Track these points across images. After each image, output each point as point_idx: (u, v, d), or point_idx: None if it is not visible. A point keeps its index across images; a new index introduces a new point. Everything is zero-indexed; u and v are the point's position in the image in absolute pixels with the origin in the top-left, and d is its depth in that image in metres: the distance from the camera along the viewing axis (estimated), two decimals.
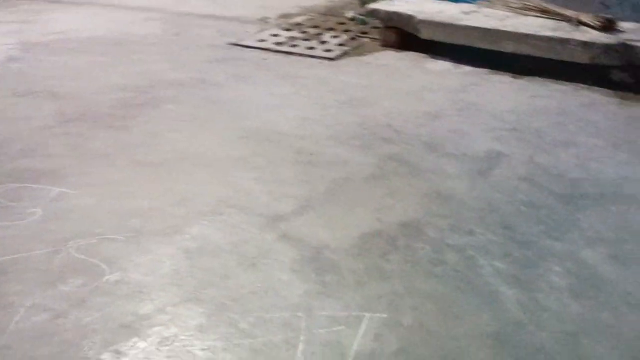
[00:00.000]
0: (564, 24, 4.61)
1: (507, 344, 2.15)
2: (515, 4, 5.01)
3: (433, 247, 2.67)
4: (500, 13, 4.97)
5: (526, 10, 4.91)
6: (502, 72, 4.64)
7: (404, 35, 5.16)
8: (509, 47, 4.60)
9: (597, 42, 4.27)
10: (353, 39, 5.55)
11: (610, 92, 4.23)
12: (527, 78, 4.53)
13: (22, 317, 2.27)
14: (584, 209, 2.91)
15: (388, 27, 5.26)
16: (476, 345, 2.15)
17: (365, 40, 5.52)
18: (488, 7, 5.13)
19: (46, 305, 2.33)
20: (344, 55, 5.13)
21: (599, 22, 4.41)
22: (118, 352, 2.13)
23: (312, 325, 2.26)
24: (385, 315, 2.30)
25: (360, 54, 5.17)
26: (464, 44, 4.81)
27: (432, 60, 4.95)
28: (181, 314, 2.31)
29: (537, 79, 4.50)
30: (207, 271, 2.52)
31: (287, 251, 2.65)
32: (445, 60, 4.91)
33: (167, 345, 2.17)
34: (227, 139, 3.64)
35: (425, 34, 4.97)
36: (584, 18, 4.51)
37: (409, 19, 5.04)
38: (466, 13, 5.02)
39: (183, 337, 2.20)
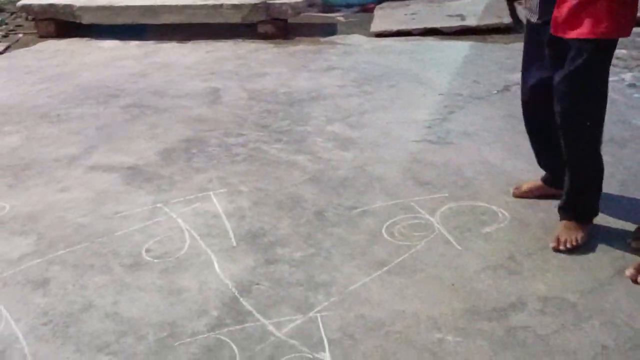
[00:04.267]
0: None
1: (320, 181, 2.94)
2: None
3: (222, 147, 3.31)
4: None
5: None
6: (168, 41, 5.30)
7: (61, 24, 5.49)
8: (169, 19, 5.31)
9: (245, 3, 5.23)
10: (5, 35, 5.66)
11: (264, 40, 5.22)
12: (192, 41, 5.28)
13: None
14: (306, 106, 3.82)
15: (43, 19, 5.52)
16: (303, 187, 2.90)
17: (20, 35, 5.67)
18: None
19: None
20: (7, 49, 5.25)
21: None
22: None
23: (174, 209, 2.76)
24: (224, 190, 2.91)
25: (26, 45, 5.36)
26: (127, 22, 5.37)
27: (101, 40, 5.38)
28: None
29: (201, 41, 5.28)
30: None
31: (106, 176, 3.06)
32: (112, 40, 5.38)
33: None
34: None
35: (86, 19, 5.39)
36: None
37: (66, 7, 5.40)
38: None
39: None
